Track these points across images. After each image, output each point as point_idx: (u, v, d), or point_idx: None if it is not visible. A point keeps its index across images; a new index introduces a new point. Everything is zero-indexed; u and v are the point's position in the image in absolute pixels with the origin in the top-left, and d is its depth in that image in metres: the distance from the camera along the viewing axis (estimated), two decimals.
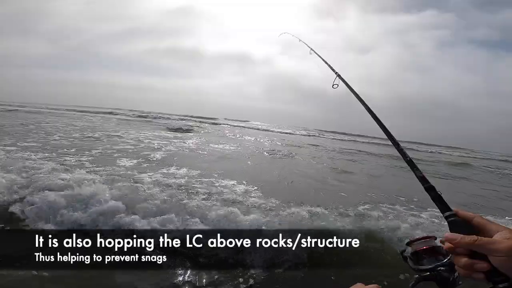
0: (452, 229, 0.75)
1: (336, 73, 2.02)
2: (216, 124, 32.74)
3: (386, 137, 1.27)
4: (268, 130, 32.55)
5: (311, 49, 2.57)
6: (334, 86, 1.99)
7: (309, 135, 32.55)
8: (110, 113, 30.59)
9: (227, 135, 20.44)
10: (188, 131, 19.69)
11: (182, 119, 30.55)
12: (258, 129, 33.14)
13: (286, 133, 32.17)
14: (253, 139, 19.11)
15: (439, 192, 0.84)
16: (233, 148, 13.39)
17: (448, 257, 0.77)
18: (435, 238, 0.82)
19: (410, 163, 0.99)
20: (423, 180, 0.90)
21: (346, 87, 1.84)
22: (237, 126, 33.25)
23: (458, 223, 0.76)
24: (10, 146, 7.78)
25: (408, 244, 0.84)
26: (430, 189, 0.86)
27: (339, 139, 30.71)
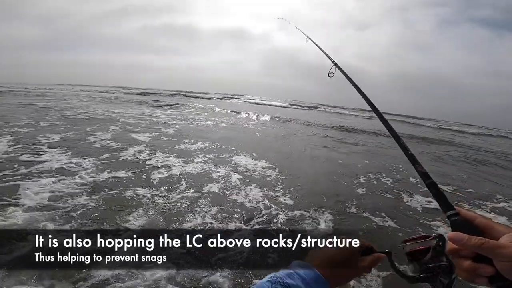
0: (454, 229, 0.72)
1: (333, 61, 1.98)
2: (207, 99, 32.17)
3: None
4: (259, 104, 32.42)
5: (307, 37, 2.53)
6: (330, 75, 1.96)
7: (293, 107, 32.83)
8: (106, 91, 30.06)
9: (215, 110, 20.07)
10: (174, 107, 19.47)
11: (173, 95, 30.37)
12: (250, 102, 33.14)
13: (276, 106, 32.27)
14: (232, 114, 19.12)
15: (441, 190, 0.80)
16: (209, 123, 13.40)
17: (447, 259, 0.72)
18: (432, 238, 0.77)
19: (411, 157, 0.95)
20: (424, 176, 0.86)
21: (343, 75, 1.83)
22: (228, 100, 33.08)
23: (461, 223, 0.72)
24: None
25: (404, 243, 0.80)
26: (432, 185, 0.82)
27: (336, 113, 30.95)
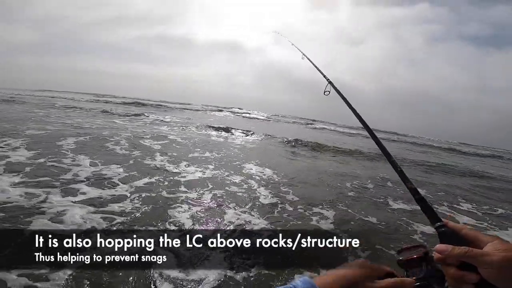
0: (442, 240, 0.76)
1: (328, 80, 2.03)
2: (194, 110, 31.43)
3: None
4: (246, 117, 32.48)
5: (303, 54, 2.58)
6: (326, 93, 2.00)
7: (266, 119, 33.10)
8: (80, 100, 28.85)
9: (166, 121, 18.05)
10: (137, 116, 18.22)
11: (158, 105, 29.47)
12: (237, 115, 33.04)
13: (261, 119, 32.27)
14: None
15: (429, 204, 0.86)
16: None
17: (439, 267, 0.76)
18: (425, 247, 0.82)
19: (401, 173, 0.99)
20: (414, 191, 0.91)
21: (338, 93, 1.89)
22: (215, 112, 32.75)
23: (448, 234, 0.76)
24: None
25: (399, 252, 0.84)
26: (420, 200, 0.87)
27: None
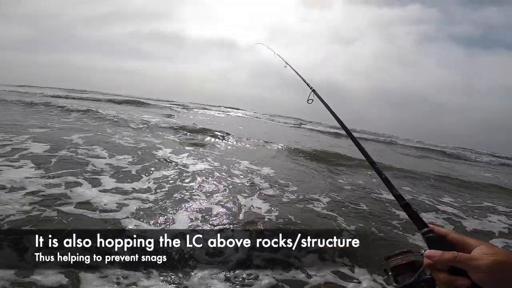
0: (430, 245, 0.78)
1: (311, 88, 2.07)
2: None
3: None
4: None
5: (286, 63, 2.62)
6: (309, 101, 2.05)
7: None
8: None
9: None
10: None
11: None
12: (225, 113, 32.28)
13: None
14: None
15: (415, 209, 0.88)
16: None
17: (428, 273, 0.76)
18: (412, 253, 0.83)
19: (386, 181, 1.02)
20: (399, 198, 0.94)
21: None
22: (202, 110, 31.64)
23: (435, 239, 0.77)
24: None
25: (387, 259, 0.84)
26: (406, 206, 0.90)
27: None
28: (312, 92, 2.06)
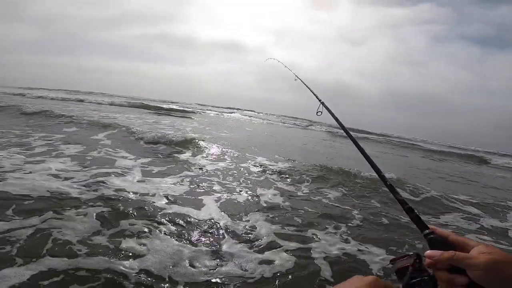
0: (431, 246, 0.81)
1: (320, 101, 2.11)
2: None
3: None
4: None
5: (296, 76, 2.69)
6: (318, 114, 2.08)
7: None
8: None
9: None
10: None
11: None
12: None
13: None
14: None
15: (417, 213, 0.92)
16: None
17: (430, 273, 0.79)
18: (417, 255, 0.84)
19: (390, 187, 1.07)
20: (402, 202, 0.98)
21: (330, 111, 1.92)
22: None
23: (437, 240, 0.82)
24: None
25: (392, 262, 0.87)
26: (409, 210, 0.95)
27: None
28: (321, 105, 2.09)
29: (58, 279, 2.59)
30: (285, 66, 2.93)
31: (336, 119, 1.80)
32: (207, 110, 38.09)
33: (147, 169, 6.41)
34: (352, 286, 0.74)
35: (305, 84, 2.48)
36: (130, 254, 3.08)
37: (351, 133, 1.55)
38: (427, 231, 0.85)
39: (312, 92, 2.32)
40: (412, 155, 20.47)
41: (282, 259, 3.34)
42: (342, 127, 1.70)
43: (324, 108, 2.06)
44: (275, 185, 6.58)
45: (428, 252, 0.79)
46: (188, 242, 3.45)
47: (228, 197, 5.30)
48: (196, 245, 3.40)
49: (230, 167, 7.70)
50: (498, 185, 12.15)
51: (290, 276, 3.10)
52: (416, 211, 0.95)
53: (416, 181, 8.81)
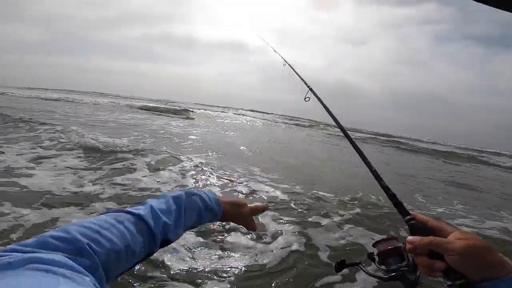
0: (412, 232, 0.84)
1: (308, 87, 2.12)
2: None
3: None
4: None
5: (284, 60, 2.65)
6: (306, 99, 2.08)
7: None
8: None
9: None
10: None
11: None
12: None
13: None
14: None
15: (399, 199, 0.96)
16: None
17: (411, 258, 0.83)
18: (397, 239, 0.89)
19: (375, 173, 1.09)
20: (386, 189, 1.01)
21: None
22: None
23: (417, 226, 0.84)
24: None
25: (374, 245, 0.91)
26: (392, 196, 0.98)
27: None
28: (310, 91, 2.08)
29: None
30: (275, 51, 2.85)
31: (325, 107, 1.78)
32: (200, 109, 36.74)
33: None
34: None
35: (293, 69, 2.46)
36: None
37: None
38: (408, 217, 0.87)
39: (300, 78, 2.31)
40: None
41: None
42: (330, 114, 1.71)
43: (312, 94, 2.05)
44: None
45: (409, 238, 0.81)
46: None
47: None
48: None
49: None
50: None
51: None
52: (398, 197, 0.97)
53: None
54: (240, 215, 1.13)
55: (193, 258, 3.15)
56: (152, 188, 5.29)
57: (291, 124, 33.15)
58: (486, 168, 18.33)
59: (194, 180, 5.94)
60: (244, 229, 3.61)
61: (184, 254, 3.16)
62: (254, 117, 35.75)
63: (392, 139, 31.07)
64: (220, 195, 1.08)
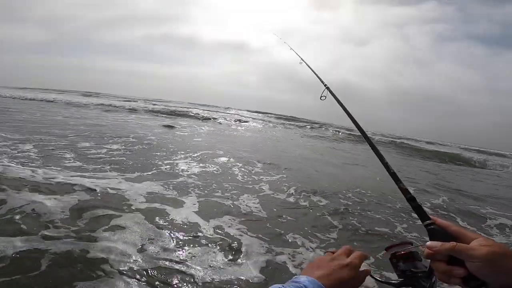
0: (431, 237, 0.81)
1: (325, 85, 2.08)
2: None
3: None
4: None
5: (301, 59, 2.65)
6: (322, 98, 2.04)
7: None
8: None
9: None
10: None
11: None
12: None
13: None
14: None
15: (419, 203, 0.91)
16: None
17: (425, 265, 0.81)
18: (412, 244, 0.86)
19: (394, 175, 1.05)
20: (405, 191, 0.97)
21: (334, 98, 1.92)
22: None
23: (437, 231, 0.80)
24: None
25: (387, 249, 0.88)
26: (411, 199, 0.93)
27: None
28: (326, 90, 2.04)
29: None
30: (291, 48, 2.89)
31: (341, 105, 1.75)
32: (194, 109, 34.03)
33: None
34: (329, 267, 0.81)
35: (310, 68, 2.46)
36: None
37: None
38: (428, 221, 0.84)
39: (317, 76, 2.28)
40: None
41: None
42: (347, 113, 1.66)
43: (328, 93, 2.01)
44: None
45: (428, 243, 0.78)
46: None
47: None
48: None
49: None
50: None
51: None
52: (418, 201, 0.93)
53: None
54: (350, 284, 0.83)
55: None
56: None
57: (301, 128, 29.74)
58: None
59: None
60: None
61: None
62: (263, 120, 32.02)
63: (399, 140, 29.55)
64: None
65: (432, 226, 0.82)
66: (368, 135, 1.41)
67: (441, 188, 8.98)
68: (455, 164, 18.76)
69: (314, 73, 2.33)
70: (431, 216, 0.85)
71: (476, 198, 8.19)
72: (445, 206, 6.83)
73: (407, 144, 25.65)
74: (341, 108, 1.74)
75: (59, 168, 5.70)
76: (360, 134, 1.45)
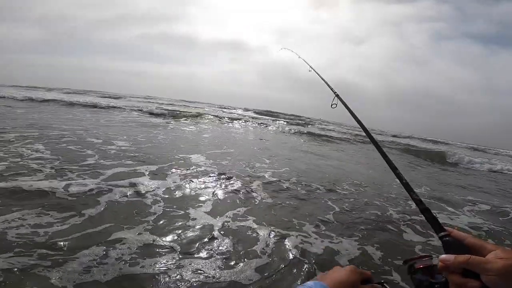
0: (446, 249, 0.80)
1: (335, 93, 2.06)
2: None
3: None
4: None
5: (310, 67, 2.67)
6: (333, 106, 2.01)
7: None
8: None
9: None
10: None
11: None
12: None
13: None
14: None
15: (433, 214, 0.89)
16: None
17: (442, 276, 0.79)
18: (431, 257, 0.84)
19: (407, 185, 1.04)
20: (418, 202, 0.96)
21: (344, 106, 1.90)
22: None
23: (452, 243, 0.80)
24: None
25: (405, 262, 0.87)
26: (425, 210, 0.91)
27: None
28: (336, 97, 2.03)
29: None
30: (299, 57, 2.88)
31: (351, 112, 1.73)
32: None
33: None
34: (333, 274, 0.84)
35: (319, 75, 2.45)
36: None
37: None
38: (442, 233, 0.83)
39: (327, 84, 2.28)
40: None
41: None
42: (357, 120, 1.65)
43: (338, 100, 1.99)
44: None
45: (442, 256, 0.77)
46: None
47: None
48: None
49: None
50: None
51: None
52: (432, 212, 0.91)
53: None
54: None
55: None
56: None
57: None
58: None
59: None
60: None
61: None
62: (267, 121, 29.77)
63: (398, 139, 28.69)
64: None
65: (447, 238, 0.82)
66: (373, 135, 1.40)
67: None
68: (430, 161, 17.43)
69: (324, 81, 2.33)
70: (447, 228, 0.84)
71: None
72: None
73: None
74: (350, 115, 1.71)
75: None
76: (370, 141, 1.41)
